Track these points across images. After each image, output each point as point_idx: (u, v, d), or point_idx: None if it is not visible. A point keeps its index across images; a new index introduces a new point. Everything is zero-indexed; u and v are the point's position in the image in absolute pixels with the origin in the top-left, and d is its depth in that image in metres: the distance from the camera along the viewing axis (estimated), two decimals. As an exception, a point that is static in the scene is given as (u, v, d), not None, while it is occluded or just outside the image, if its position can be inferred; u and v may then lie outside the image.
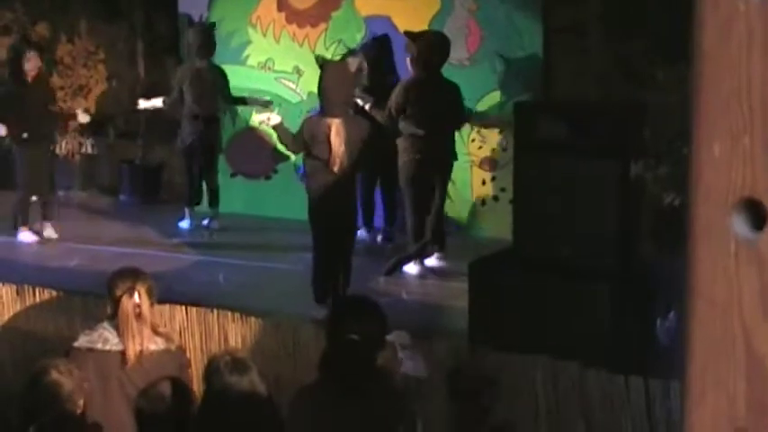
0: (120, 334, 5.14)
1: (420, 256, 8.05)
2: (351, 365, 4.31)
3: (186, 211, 9.73)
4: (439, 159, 8.11)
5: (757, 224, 0.89)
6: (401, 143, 7.99)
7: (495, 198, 9.16)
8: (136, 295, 5.17)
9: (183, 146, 9.58)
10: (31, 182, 9.36)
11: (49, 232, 9.34)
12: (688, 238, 0.91)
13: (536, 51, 8.95)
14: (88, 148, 11.52)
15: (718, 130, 0.89)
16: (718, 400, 0.89)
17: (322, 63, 7.35)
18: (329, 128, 7.02)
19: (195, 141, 9.48)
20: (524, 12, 8.96)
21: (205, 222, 9.67)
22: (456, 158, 8.27)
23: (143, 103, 9.90)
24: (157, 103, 9.76)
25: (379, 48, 8.89)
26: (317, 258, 7.23)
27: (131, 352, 5.12)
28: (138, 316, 5.16)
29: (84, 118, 9.73)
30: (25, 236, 9.31)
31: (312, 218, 7.21)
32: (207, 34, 9.62)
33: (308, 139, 7.09)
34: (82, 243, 9.12)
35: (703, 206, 0.90)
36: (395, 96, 7.97)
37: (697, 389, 0.89)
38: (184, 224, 9.70)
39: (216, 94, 9.57)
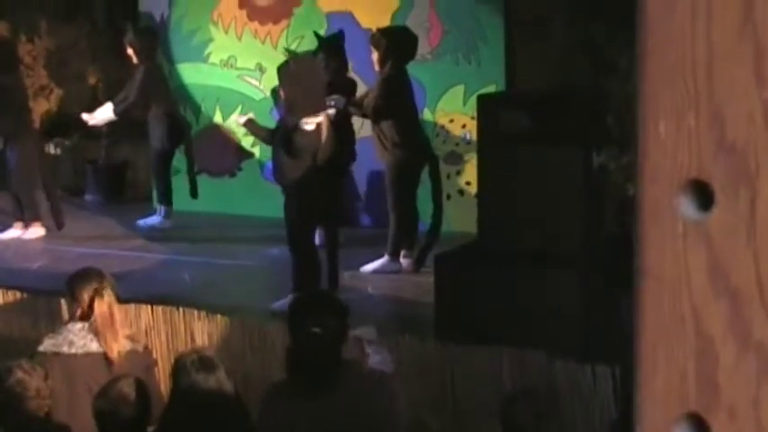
0: (99, 337, 5.12)
1: (434, 243, 7.91)
2: (315, 358, 4.33)
3: (163, 209, 9.62)
4: (427, 152, 8.13)
5: (705, 205, 0.89)
6: (386, 142, 7.89)
7: (461, 192, 9.16)
8: (106, 295, 5.16)
9: (162, 147, 9.47)
10: (10, 180, 9.34)
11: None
12: (637, 219, 0.91)
13: (498, 44, 8.96)
14: (51, 148, 11.41)
15: (663, 109, 0.89)
16: (669, 380, 0.89)
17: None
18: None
19: (174, 140, 9.47)
20: (486, 4, 8.96)
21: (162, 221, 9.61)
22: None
23: (91, 120, 9.58)
24: (107, 113, 9.48)
25: (338, 45, 8.88)
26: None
27: (114, 353, 5.11)
28: (111, 316, 5.16)
29: None
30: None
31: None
32: (158, 35, 9.69)
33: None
34: (46, 243, 9.07)
35: (650, 187, 0.90)
36: (375, 97, 7.87)
37: (647, 369, 0.89)
38: (154, 220, 9.61)
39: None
